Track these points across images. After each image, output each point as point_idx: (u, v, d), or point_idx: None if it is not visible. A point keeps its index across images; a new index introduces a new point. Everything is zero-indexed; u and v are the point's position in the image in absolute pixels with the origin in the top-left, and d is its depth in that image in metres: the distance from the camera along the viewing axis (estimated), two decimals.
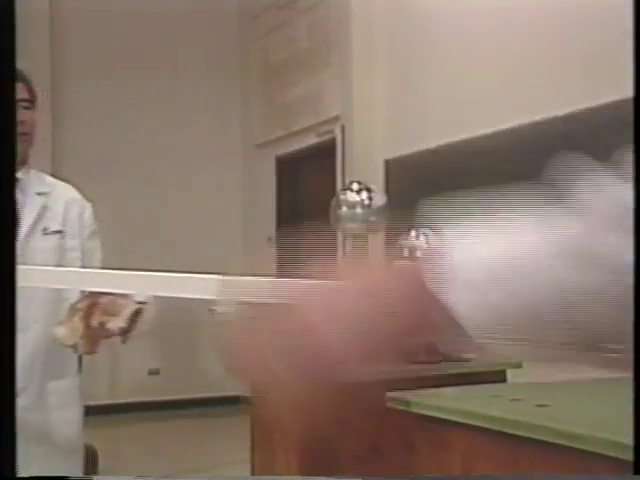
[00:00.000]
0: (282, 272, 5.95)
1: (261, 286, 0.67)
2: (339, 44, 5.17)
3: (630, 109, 0.58)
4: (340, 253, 4.59)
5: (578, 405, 1.96)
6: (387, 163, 4.81)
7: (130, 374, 6.37)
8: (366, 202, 3.10)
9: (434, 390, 2.26)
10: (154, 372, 6.52)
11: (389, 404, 2.05)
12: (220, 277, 0.72)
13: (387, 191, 4.62)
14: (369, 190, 3.13)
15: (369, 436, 2.59)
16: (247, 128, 6.51)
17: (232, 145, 6.66)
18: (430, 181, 4.33)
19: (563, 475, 1.15)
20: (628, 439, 1.47)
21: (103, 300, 1.61)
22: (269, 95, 6.01)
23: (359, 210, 3.09)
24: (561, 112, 3.51)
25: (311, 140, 5.57)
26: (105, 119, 6.21)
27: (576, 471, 1.58)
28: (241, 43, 6.58)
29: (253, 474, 2.83)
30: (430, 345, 3.28)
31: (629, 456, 1.44)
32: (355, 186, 3.19)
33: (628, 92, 0.59)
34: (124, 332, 1.62)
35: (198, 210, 6.45)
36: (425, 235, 3.14)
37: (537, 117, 3.63)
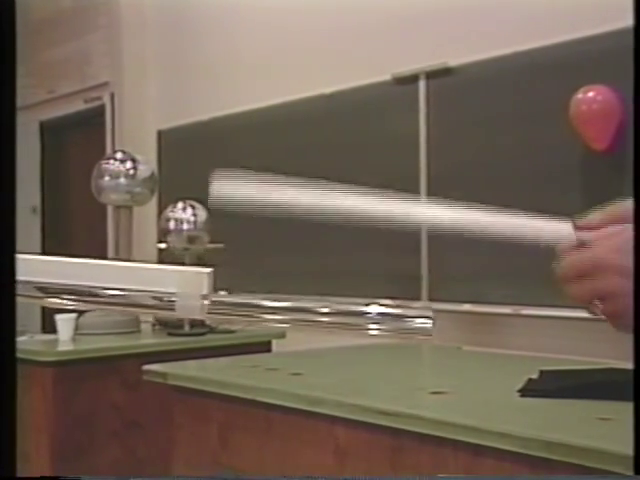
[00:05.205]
0: (47, 243, 5.66)
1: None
2: (107, 6, 4.94)
3: None
4: (110, 224, 4.44)
5: (329, 371, 2.05)
6: (160, 134, 4.70)
7: None
8: (131, 172, 2.99)
9: (193, 362, 2.25)
10: None
11: (146, 377, 2.02)
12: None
13: (159, 163, 4.52)
14: (134, 160, 3.02)
15: (127, 411, 2.54)
16: None
17: None
18: (203, 154, 4.29)
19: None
20: (366, 400, 1.56)
21: None
22: (31, 55, 5.63)
23: (123, 180, 2.98)
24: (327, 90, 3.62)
25: (78, 106, 5.30)
26: None
27: (322, 434, 1.65)
28: None
29: None
30: (197, 319, 3.28)
31: (366, 417, 1.53)
32: (119, 155, 3.07)
33: None
34: None
35: None
36: (192, 207, 3.10)
37: (303, 95, 3.72)
